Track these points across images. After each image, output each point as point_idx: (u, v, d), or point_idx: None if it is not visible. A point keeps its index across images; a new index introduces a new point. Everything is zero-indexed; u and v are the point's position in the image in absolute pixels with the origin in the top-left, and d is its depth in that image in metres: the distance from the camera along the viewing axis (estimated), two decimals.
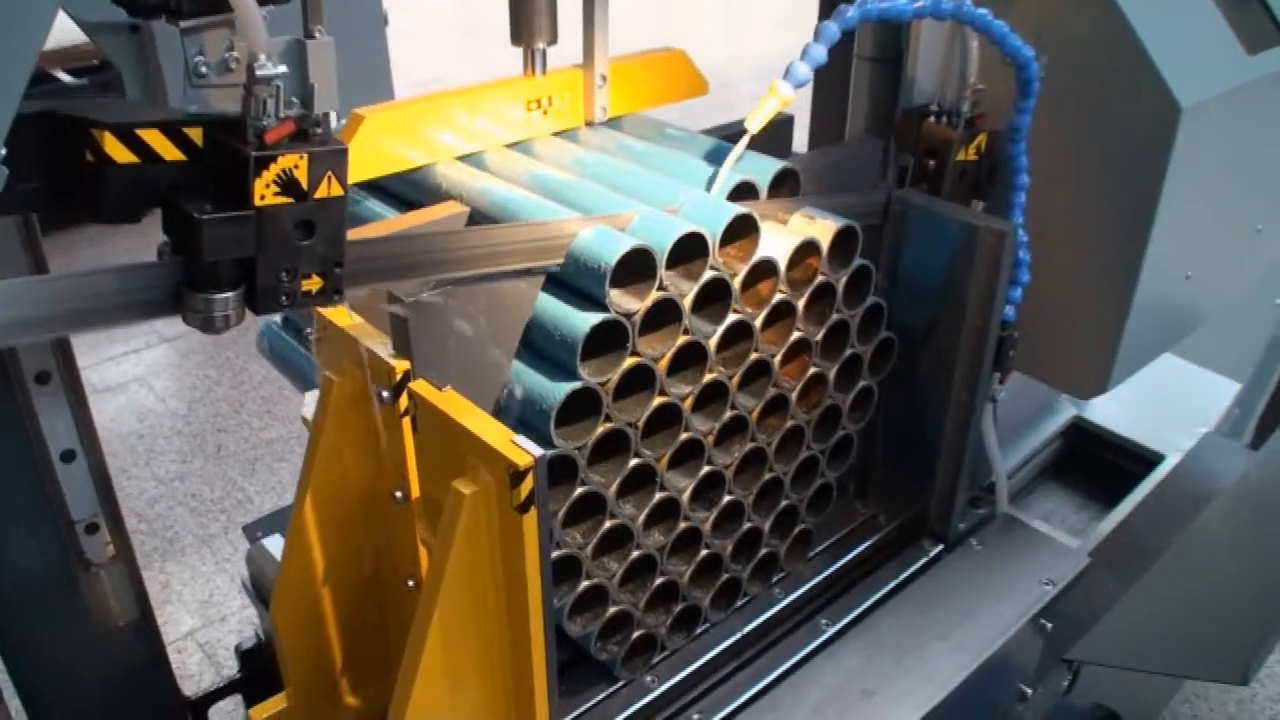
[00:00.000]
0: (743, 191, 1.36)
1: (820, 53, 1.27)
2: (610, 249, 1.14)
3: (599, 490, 1.25)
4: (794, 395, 1.45)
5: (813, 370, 1.46)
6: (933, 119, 1.59)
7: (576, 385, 1.16)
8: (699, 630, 1.53)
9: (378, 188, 1.45)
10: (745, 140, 1.33)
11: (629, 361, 1.21)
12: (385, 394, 1.11)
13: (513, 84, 1.42)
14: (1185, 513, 2.15)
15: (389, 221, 1.28)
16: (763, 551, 1.56)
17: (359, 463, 1.20)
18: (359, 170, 1.29)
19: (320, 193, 0.92)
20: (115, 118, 0.87)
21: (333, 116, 1.34)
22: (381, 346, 1.13)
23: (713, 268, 1.25)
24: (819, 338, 1.44)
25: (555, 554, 1.24)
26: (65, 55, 4.26)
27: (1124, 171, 1.51)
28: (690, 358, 1.29)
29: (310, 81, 0.93)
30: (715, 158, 1.41)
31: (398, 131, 1.31)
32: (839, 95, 1.89)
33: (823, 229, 1.39)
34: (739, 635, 1.53)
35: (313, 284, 0.95)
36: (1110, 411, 2.60)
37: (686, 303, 1.24)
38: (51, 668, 1.31)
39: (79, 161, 0.87)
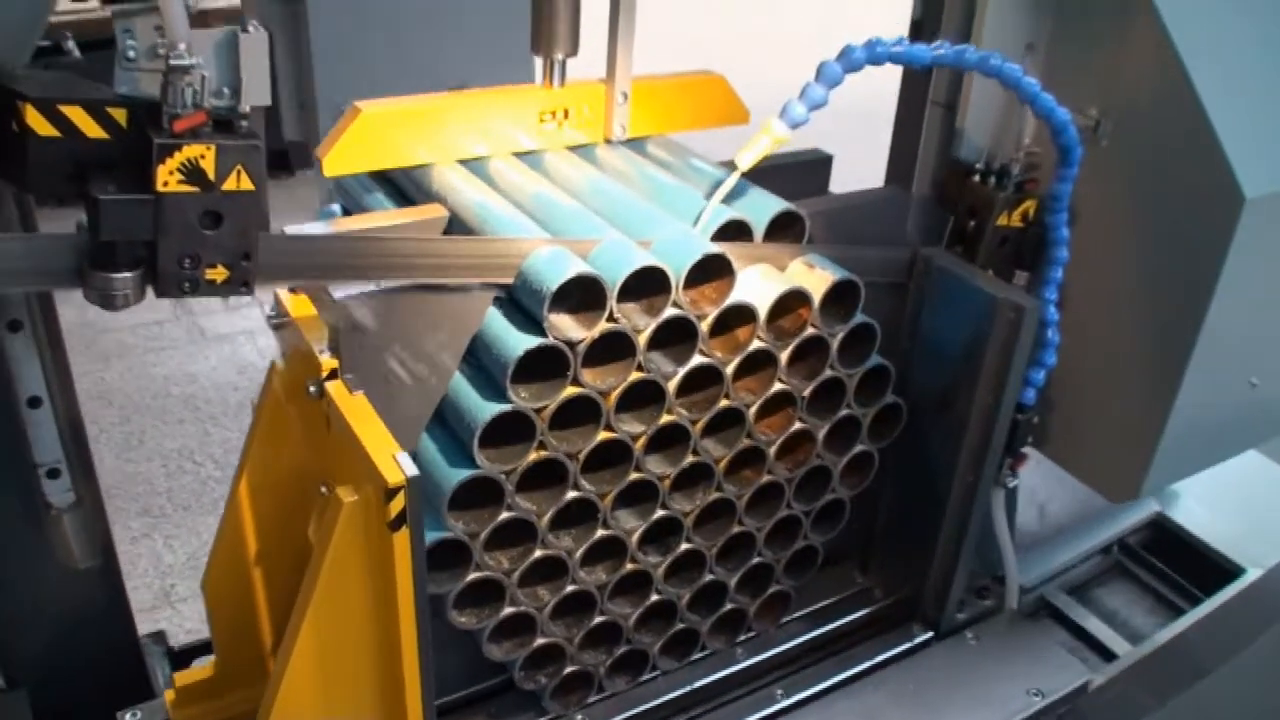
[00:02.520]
0: (734, 230, 1.29)
1: (820, 94, 1.19)
2: (555, 273, 1.11)
3: (526, 518, 1.21)
4: (772, 450, 1.38)
5: (798, 426, 1.38)
6: (977, 177, 1.48)
7: (505, 408, 1.13)
8: (645, 677, 1.47)
9: (392, 182, 1.45)
10: (735, 177, 1.27)
11: (568, 391, 1.16)
12: (313, 389, 1.11)
13: (526, 92, 1.40)
14: (1248, 636, 1.95)
15: (361, 216, 1.28)
16: (727, 607, 1.48)
17: (292, 451, 1.21)
18: (347, 163, 1.29)
19: (229, 185, 0.92)
20: (43, 92, 0.90)
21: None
22: (318, 341, 1.13)
23: (675, 305, 1.19)
24: (806, 393, 1.36)
25: (475, 575, 1.22)
26: (229, 15, 4.49)
27: (1177, 261, 1.36)
28: (647, 396, 1.24)
29: (241, 75, 0.93)
30: (739, 192, 1.34)
31: (391, 129, 1.31)
32: (915, 139, 1.79)
33: (819, 280, 1.31)
34: (686, 690, 1.47)
35: (218, 274, 0.95)
36: (1195, 512, 2.38)
37: (642, 339, 1.19)
38: (13, 604, 1.37)
39: (6, 131, 0.90)
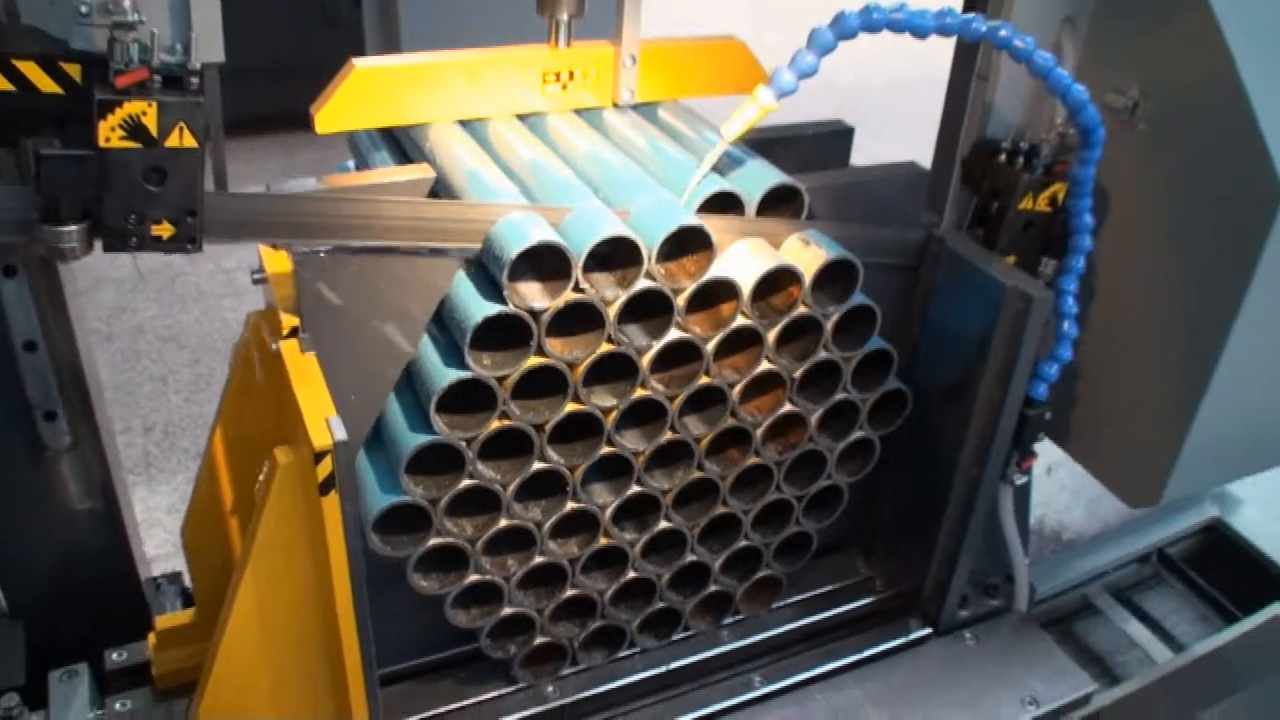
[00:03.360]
0: (724, 202, 1.24)
1: (811, 61, 1.12)
2: (517, 239, 1.08)
3: (489, 486, 1.20)
4: (759, 431, 1.33)
5: (788, 409, 1.33)
6: (1004, 157, 1.39)
7: (464, 375, 1.11)
8: (623, 653, 1.45)
9: (398, 142, 1.44)
10: (721, 147, 1.21)
11: (532, 360, 1.14)
12: (274, 346, 1.12)
13: (529, 53, 1.36)
14: None
15: (349, 175, 1.27)
16: (712, 589, 1.45)
17: (265, 406, 1.22)
18: (339, 120, 1.28)
19: (171, 142, 0.91)
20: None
21: None
22: (286, 299, 1.13)
23: (649, 277, 1.15)
24: (797, 375, 1.31)
25: (435, 541, 1.21)
26: None
27: (1211, 254, 1.26)
28: (620, 369, 1.21)
29: (192, 32, 0.92)
30: (736, 163, 1.29)
31: (386, 87, 1.29)
32: (963, 114, 1.70)
33: (813, 257, 1.25)
34: (664, 669, 1.45)
35: (164, 229, 0.95)
36: (1255, 519, 2.25)
37: (612, 311, 1.15)
38: (15, 541, 1.42)
39: None
